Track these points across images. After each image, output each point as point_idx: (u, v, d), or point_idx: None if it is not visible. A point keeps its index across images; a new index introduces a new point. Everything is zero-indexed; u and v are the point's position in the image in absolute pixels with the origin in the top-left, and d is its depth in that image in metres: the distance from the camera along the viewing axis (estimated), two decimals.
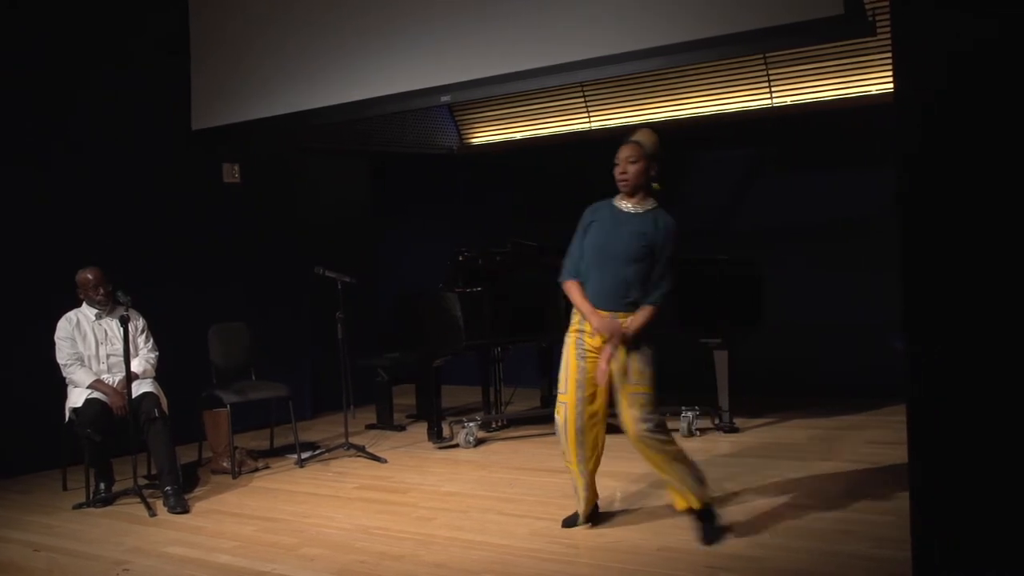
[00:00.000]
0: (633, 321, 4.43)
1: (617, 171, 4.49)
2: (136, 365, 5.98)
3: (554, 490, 5.52)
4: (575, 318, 4.62)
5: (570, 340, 4.62)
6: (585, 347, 4.55)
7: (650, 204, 4.53)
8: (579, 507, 4.79)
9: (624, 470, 5.68)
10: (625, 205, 4.54)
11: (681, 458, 4.51)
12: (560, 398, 4.64)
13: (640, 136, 4.53)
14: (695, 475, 4.52)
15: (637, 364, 4.44)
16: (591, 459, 4.70)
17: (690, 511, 4.53)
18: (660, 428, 4.45)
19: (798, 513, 4.78)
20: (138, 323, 6.13)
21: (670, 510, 4.92)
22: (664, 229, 4.46)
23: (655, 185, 4.54)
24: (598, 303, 4.50)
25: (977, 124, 2.34)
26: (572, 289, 4.58)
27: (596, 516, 4.86)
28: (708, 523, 4.50)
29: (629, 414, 4.44)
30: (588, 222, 4.61)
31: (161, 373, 6.17)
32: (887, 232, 4.44)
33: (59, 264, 6.57)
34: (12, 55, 6.86)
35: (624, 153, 4.48)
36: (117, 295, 5.89)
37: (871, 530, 4.43)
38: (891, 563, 3.95)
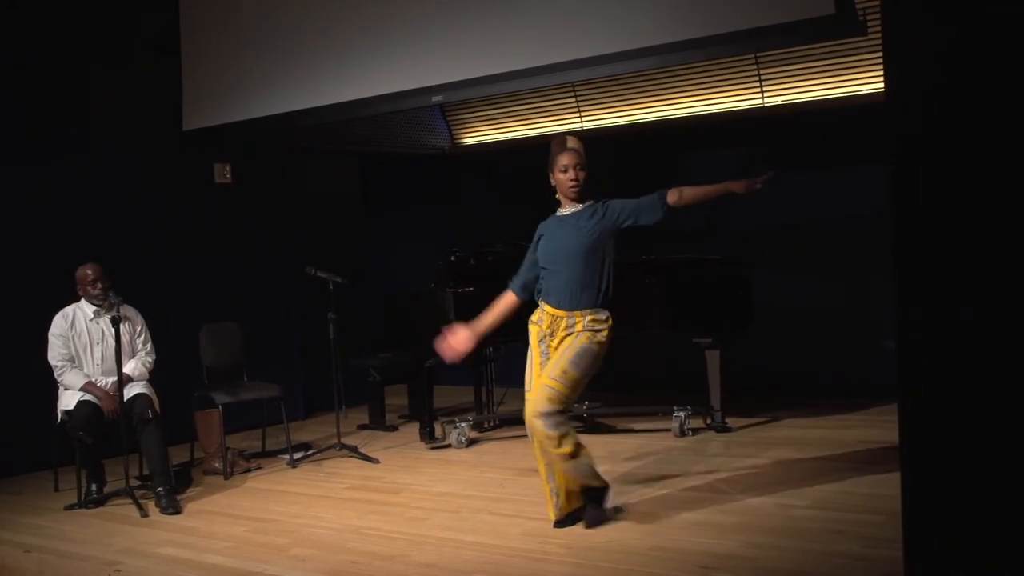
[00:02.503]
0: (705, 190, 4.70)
1: (568, 178, 4.64)
2: (131, 367, 5.96)
3: None
4: (535, 314, 4.75)
5: (533, 343, 4.74)
6: (548, 346, 4.68)
7: (586, 202, 4.70)
8: (550, 507, 4.77)
9: (613, 469, 5.69)
10: (565, 211, 4.73)
11: (572, 458, 4.58)
12: (527, 396, 4.70)
13: (575, 144, 4.70)
14: (586, 471, 4.65)
15: (564, 363, 4.54)
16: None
17: (584, 493, 4.69)
18: (555, 426, 4.51)
19: (790, 513, 4.79)
20: (136, 324, 6.11)
21: (663, 510, 4.94)
22: (603, 206, 4.66)
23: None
24: (555, 301, 4.65)
25: (968, 124, 2.35)
26: (500, 298, 4.83)
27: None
28: (596, 505, 4.70)
29: (533, 400, 4.56)
30: (537, 237, 4.80)
31: (153, 373, 6.15)
32: (878, 231, 4.45)
33: (50, 265, 6.57)
34: (7, 55, 6.84)
35: (573, 160, 4.64)
36: (108, 295, 5.88)
37: (863, 530, 4.43)
38: (883, 563, 3.95)
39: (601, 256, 4.63)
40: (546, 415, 4.50)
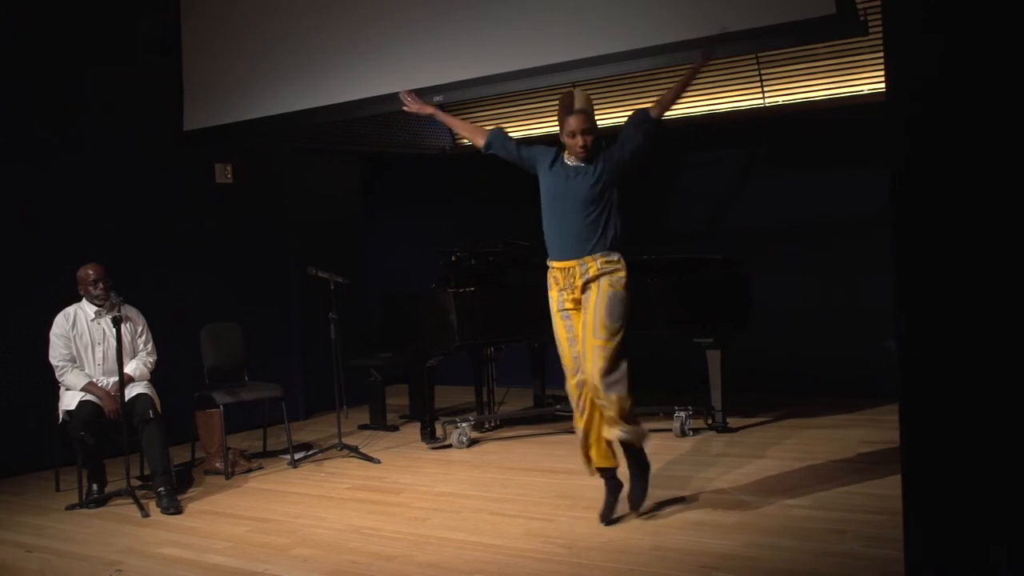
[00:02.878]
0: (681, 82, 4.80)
1: (576, 144, 4.63)
2: (132, 367, 5.96)
3: (547, 490, 5.53)
4: (548, 280, 4.80)
5: (557, 323, 4.78)
6: (568, 311, 4.72)
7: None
8: (589, 467, 4.87)
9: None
10: (572, 162, 4.72)
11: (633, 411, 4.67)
12: (568, 380, 4.76)
13: (582, 103, 4.65)
14: (641, 433, 4.74)
15: (601, 319, 4.59)
16: (592, 414, 4.77)
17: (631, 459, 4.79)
18: (615, 385, 4.58)
19: (791, 513, 4.79)
20: (138, 324, 6.11)
21: (664, 510, 4.94)
22: (606, 150, 4.68)
23: None
24: (563, 253, 4.70)
25: (969, 124, 2.35)
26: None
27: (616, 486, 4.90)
28: (641, 480, 4.80)
29: (589, 367, 4.59)
30: (539, 160, 4.82)
31: (154, 373, 6.15)
32: (880, 232, 4.44)
33: (51, 265, 6.58)
34: (9, 55, 6.85)
35: (580, 124, 4.61)
36: (110, 295, 5.88)
37: (864, 530, 4.43)
38: (884, 562, 3.95)
39: (608, 201, 4.65)
40: (604, 374, 4.55)
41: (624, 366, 4.63)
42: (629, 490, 4.86)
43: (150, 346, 6.15)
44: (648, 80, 8.51)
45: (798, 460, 5.87)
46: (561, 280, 4.71)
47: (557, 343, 4.81)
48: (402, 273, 9.49)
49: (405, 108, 5.34)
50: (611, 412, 4.63)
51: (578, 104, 4.64)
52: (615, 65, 5.71)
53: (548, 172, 4.77)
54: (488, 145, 5.00)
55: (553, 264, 4.77)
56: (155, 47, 7.52)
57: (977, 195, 2.34)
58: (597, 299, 4.61)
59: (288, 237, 8.61)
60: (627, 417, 4.67)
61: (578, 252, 4.65)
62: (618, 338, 4.61)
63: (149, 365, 6.10)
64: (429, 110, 5.32)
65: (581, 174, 4.66)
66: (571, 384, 4.75)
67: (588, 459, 4.84)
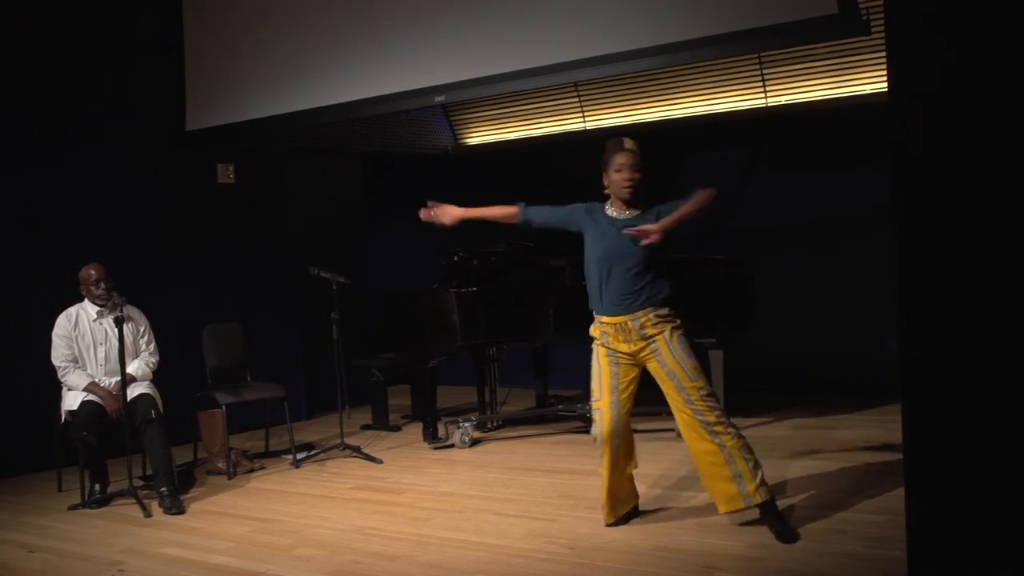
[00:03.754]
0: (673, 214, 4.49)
1: (623, 177, 4.53)
2: (134, 367, 5.96)
3: (550, 490, 5.53)
4: (595, 330, 4.67)
5: (599, 351, 4.67)
6: (617, 354, 4.61)
7: (640, 207, 4.60)
8: (607, 511, 4.78)
9: None
10: (616, 212, 4.62)
11: (747, 448, 4.51)
12: (595, 405, 4.69)
13: (631, 145, 4.59)
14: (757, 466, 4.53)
15: (685, 363, 4.50)
16: (629, 461, 4.75)
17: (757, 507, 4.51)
18: (725, 418, 4.50)
19: (794, 512, 4.78)
20: (140, 324, 6.11)
21: (667, 510, 4.94)
22: (661, 209, 4.54)
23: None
24: (611, 310, 4.57)
25: (972, 123, 2.34)
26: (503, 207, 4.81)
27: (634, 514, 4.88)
28: (775, 518, 4.50)
29: (706, 409, 4.46)
30: (584, 219, 4.66)
31: (156, 374, 6.15)
32: (882, 231, 4.44)
33: (54, 265, 6.58)
34: (10, 55, 6.86)
35: (630, 160, 4.53)
36: (112, 295, 5.88)
37: (867, 530, 4.43)
38: (887, 563, 3.95)
39: (656, 265, 4.55)
40: (717, 410, 4.47)
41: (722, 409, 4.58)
42: (778, 530, 4.48)
43: (152, 346, 6.16)
44: (650, 80, 8.52)
45: (800, 460, 5.87)
46: (611, 337, 4.60)
47: (594, 370, 4.69)
48: (403, 273, 9.49)
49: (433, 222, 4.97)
50: (739, 445, 4.47)
51: (628, 145, 4.58)
52: (616, 65, 5.70)
53: (595, 226, 4.64)
54: (528, 222, 4.81)
55: (601, 319, 4.64)
56: (155, 47, 7.52)
57: (979, 195, 2.34)
58: (669, 350, 4.52)
59: (290, 237, 8.61)
60: (751, 453, 4.52)
61: (627, 308, 4.53)
62: (702, 374, 4.54)
63: (151, 365, 6.11)
64: (458, 213, 4.87)
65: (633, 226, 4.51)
66: (608, 432, 4.63)
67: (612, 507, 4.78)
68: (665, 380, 4.53)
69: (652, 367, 4.57)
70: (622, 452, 4.69)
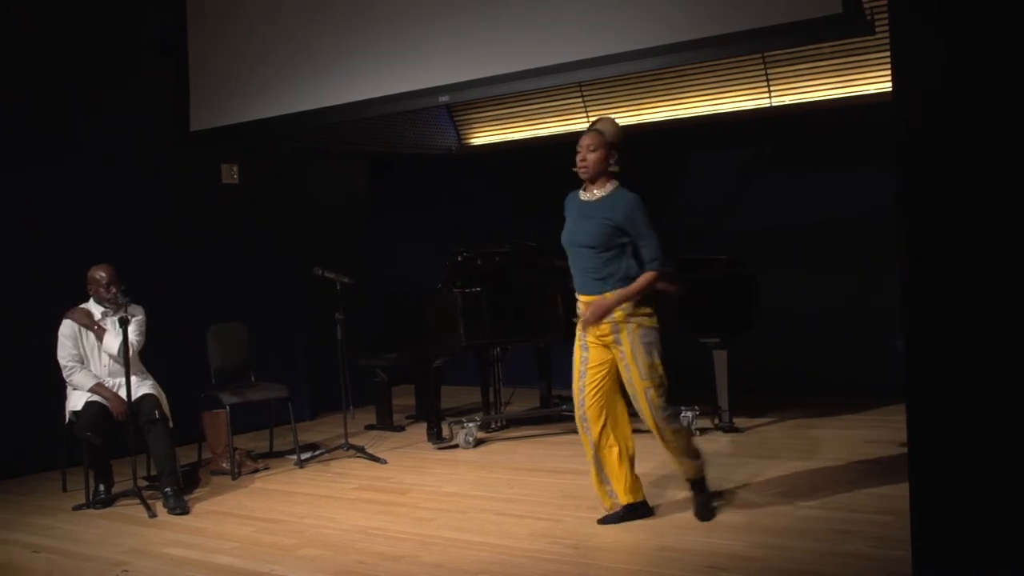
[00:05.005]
0: (621, 292, 4.57)
1: (577, 159, 4.65)
2: (110, 341, 5.88)
3: (553, 490, 5.53)
4: (578, 307, 4.78)
5: (577, 331, 4.79)
6: (587, 339, 4.72)
7: (610, 187, 4.67)
8: (606, 502, 4.85)
9: None
10: (587, 195, 4.72)
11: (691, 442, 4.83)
12: (576, 409, 4.81)
13: (601, 124, 4.71)
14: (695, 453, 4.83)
15: (640, 359, 4.58)
16: (614, 444, 4.76)
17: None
18: (672, 420, 4.70)
19: (798, 513, 4.78)
20: (137, 317, 6.07)
21: (671, 510, 4.93)
22: (624, 207, 4.59)
23: (615, 168, 4.68)
24: (582, 289, 4.70)
25: (975, 123, 2.34)
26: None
27: (642, 511, 4.86)
28: (703, 496, 4.84)
29: (647, 409, 4.64)
30: (567, 207, 4.81)
31: (160, 374, 6.16)
32: (886, 231, 4.43)
33: (58, 266, 6.59)
34: (15, 55, 6.87)
35: (585, 141, 4.66)
36: (117, 297, 5.87)
37: (871, 530, 4.42)
38: (891, 563, 3.95)
39: (617, 248, 4.59)
40: (660, 409, 4.61)
41: (673, 410, 4.73)
42: (695, 506, 4.83)
43: (138, 331, 5.94)
44: (654, 80, 8.52)
45: (804, 460, 5.87)
46: (583, 312, 4.71)
47: (573, 367, 4.83)
48: (406, 273, 9.49)
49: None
50: (677, 445, 4.71)
51: (597, 125, 4.70)
52: (620, 65, 5.70)
53: (568, 215, 4.78)
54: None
55: (580, 298, 4.74)
56: (155, 47, 7.53)
57: (983, 195, 2.33)
58: (629, 344, 4.58)
59: (294, 237, 8.62)
60: (690, 451, 4.78)
61: (594, 290, 4.61)
62: (659, 373, 4.61)
63: (134, 346, 5.88)
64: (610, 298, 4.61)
65: (589, 213, 4.64)
66: (577, 415, 4.80)
67: (606, 492, 4.83)
68: (622, 371, 4.66)
69: (616, 354, 4.66)
70: (599, 434, 4.73)
